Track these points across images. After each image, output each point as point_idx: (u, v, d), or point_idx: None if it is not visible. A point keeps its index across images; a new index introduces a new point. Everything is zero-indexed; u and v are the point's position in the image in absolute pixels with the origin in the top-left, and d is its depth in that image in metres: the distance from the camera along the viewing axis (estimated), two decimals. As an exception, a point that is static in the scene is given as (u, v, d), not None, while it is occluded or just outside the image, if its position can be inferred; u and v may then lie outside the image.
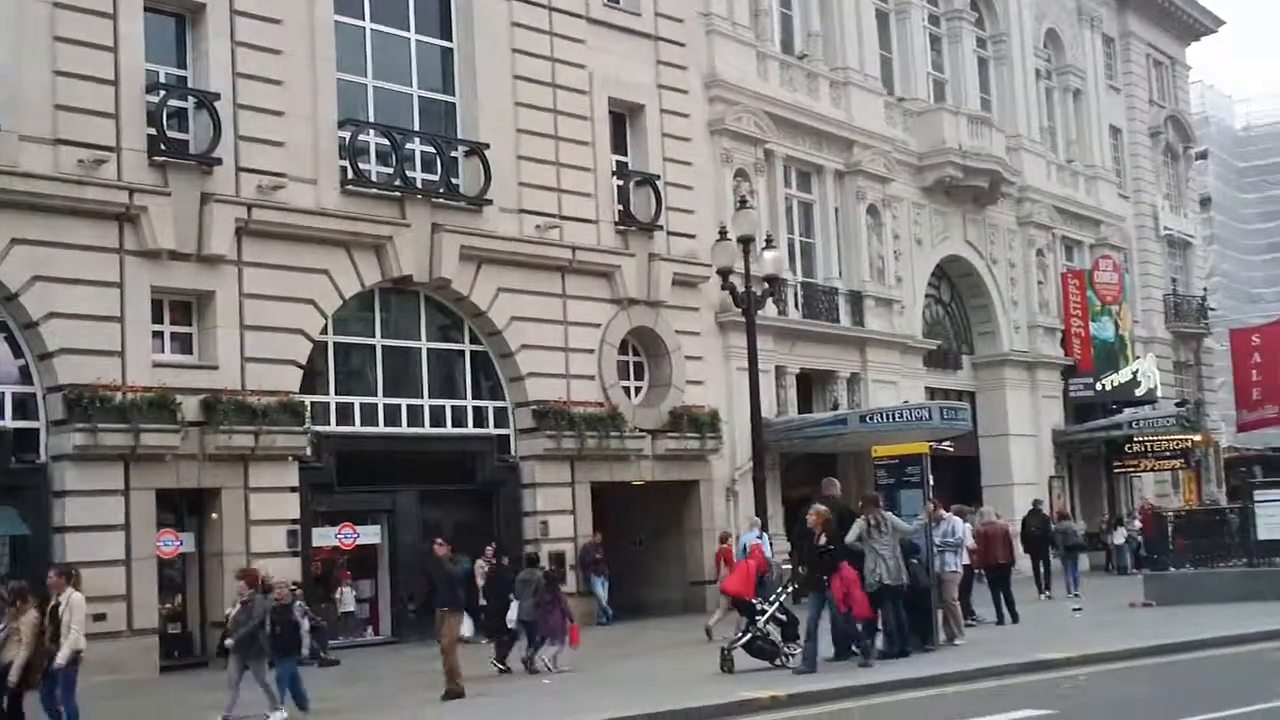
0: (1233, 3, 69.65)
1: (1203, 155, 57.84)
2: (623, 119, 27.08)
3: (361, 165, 22.40)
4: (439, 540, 16.41)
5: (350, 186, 22.14)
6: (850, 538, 16.20)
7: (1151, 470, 41.01)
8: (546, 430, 24.10)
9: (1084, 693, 13.24)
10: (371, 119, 23.09)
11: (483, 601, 20.73)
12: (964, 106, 36.28)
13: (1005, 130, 37.65)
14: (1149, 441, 38.95)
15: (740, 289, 22.63)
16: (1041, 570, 26.79)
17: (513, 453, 24.46)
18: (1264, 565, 22.42)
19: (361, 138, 22.61)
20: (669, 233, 26.88)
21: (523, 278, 24.36)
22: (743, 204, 24.34)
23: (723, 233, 23.56)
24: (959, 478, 33.25)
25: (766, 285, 23.62)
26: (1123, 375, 39.87)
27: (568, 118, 25.41)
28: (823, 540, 15.74)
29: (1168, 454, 39.35)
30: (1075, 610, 22.82)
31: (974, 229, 36.69)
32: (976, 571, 21.02)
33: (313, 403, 21.51)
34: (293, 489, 20.90)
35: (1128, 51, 46.24)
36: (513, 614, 17.58)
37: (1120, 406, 40.16)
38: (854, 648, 15.74)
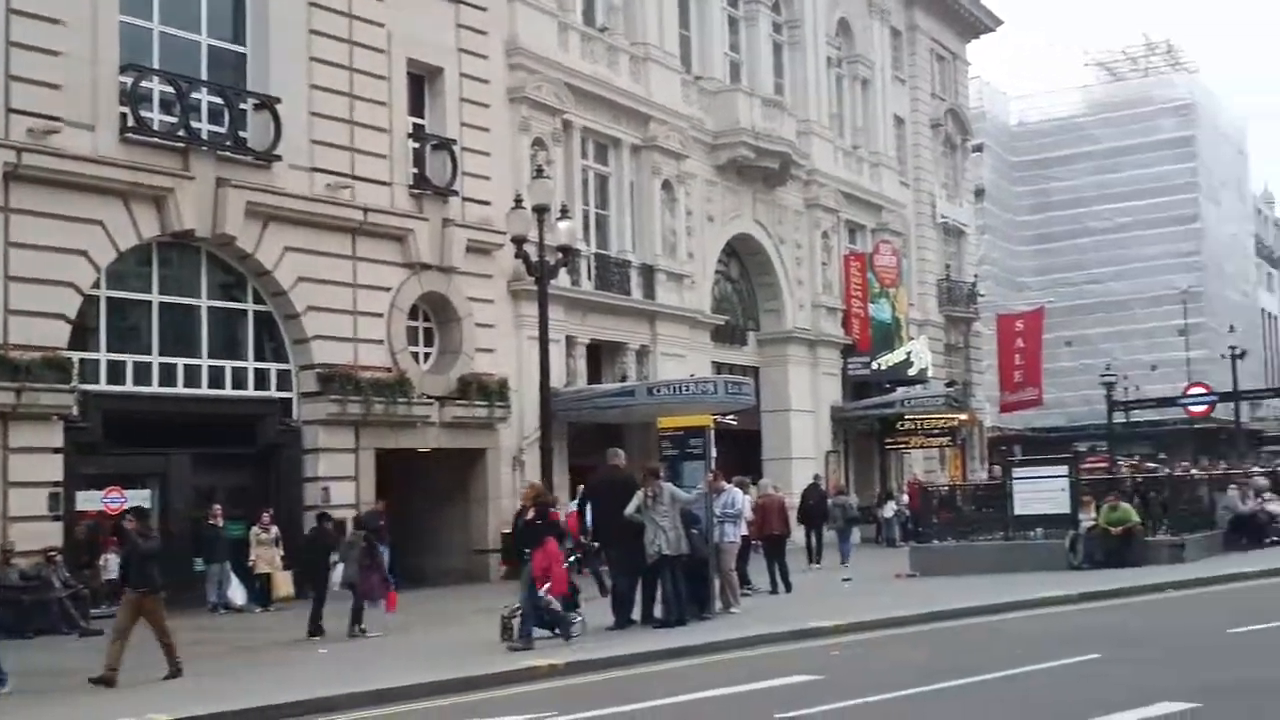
0: (1011, 4, 73.04)
1: (979, 148, 60.39)
2: (421, 81, 26.71)
3: (144, 113, 21.50)
4: (129, 516, 15.68)
5: (130, 135, 21.24)
6: (629, 510, 16.41)
7: (921, 447, 42.78)
8: (331, 395, 23.68)
9: (852, 658, 13.76)
10: (156, 65, 22.16)
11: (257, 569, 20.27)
12: (758, 89, 37.00)
13: (796, 114, 38.56)
14: (919, 420, 40.64)
15: (534, 258, 22.62)
16: (814, 541, 27.71)
17: (295, 417, 23.95)
18: (1019, 539, 23.63)
19: (145, 84, 21.68)
20: (464, 198, 26.69)
21: (312, 237, 23.83)
22: (539, 173, 24.29)
23: (518, 201, 23.50)
24: (742, 451, 34.06)
25: (560, 255, 23.65)
26: (897, 355, 41.39)
27: (364, 76, 24.93)
28: (530, 515, 15.62)
29: (936, 432, 41.16)
30: (845, 580, 23.61)
31: (764, 209, 37.49)
32: (753, 542, 21.60)
33: (81, 360, 20.59)
34: (56, 450, 19.95)
35: (913, 45, 47.85)
36: (337, 577, 17.44)
37: (894, 385, 41.71)
38: (554, 629, 15.43)
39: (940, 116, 49.41)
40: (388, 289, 25.18)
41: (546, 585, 15.03)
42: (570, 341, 29.39)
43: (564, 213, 24.79)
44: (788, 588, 21.67)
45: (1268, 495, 26.93)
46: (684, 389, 28.14)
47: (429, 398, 25.50)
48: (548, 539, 15.35)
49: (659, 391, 28.12)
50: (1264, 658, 12.18)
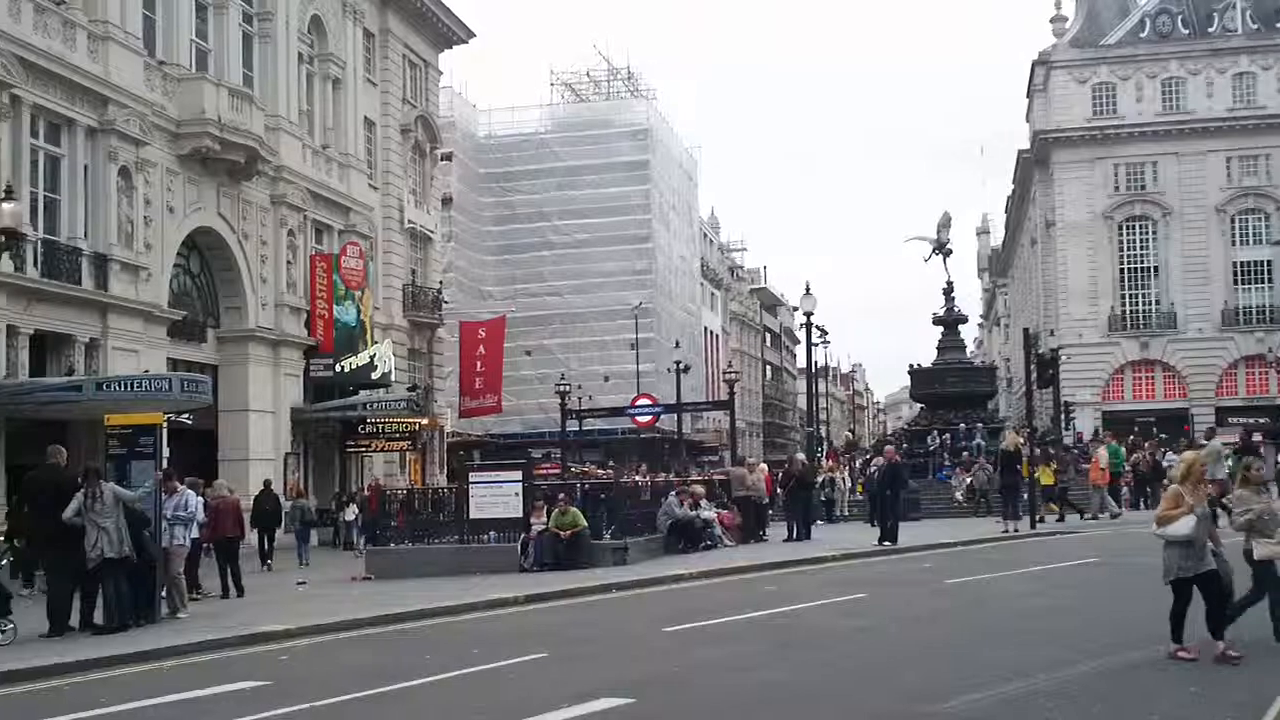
0: (485, 19, 75.12)
1: (448, 157, 61.57)
2: None
3: None
4: None
5: None
6: (68, 512, 15.72)
7: (382, 451, 43.07)
8: None
9: (303, 663, 13.85)
10: None
11: None
12: (226, 79, 36.00)
13: (265, 109, 37.83)
14: (381, 423, 41.01)
15: (-30, 241, 20.96)
16: (268, 545, 27.43)
17: None
18: (474, 542, 24.58)
19: None
20: (-114, 170, 24.16)
21: None
22: (-21, 150, 22.52)
23: (-47, 178, 21.67)
24: (198, 451, 33.00)
25: (3, 239, 22.03)
26: (361, 358, 41.49)
27: None
28: None
29: (398, 435, 41.63)
30: (300, 584, 23.60)
31: (228, 203, 36.50)
32: (205, 545, 21.17)
33: None
34: None
35: (386, 49, 48.19)
36: None
37: (357, 388, 41.83)
38: None
39: (411, 123, 50.06)
40: None
41: None
42: (12, 331, 27.30)
43: (9, 193, 23.18)
44: (240, 591, 21.41)
45: (704, 502, 29.30)
46: (137, 385, 26.92)
47: None
48: None
49: (110, 387, 26.74)
50: (691, 653, 13.39)
